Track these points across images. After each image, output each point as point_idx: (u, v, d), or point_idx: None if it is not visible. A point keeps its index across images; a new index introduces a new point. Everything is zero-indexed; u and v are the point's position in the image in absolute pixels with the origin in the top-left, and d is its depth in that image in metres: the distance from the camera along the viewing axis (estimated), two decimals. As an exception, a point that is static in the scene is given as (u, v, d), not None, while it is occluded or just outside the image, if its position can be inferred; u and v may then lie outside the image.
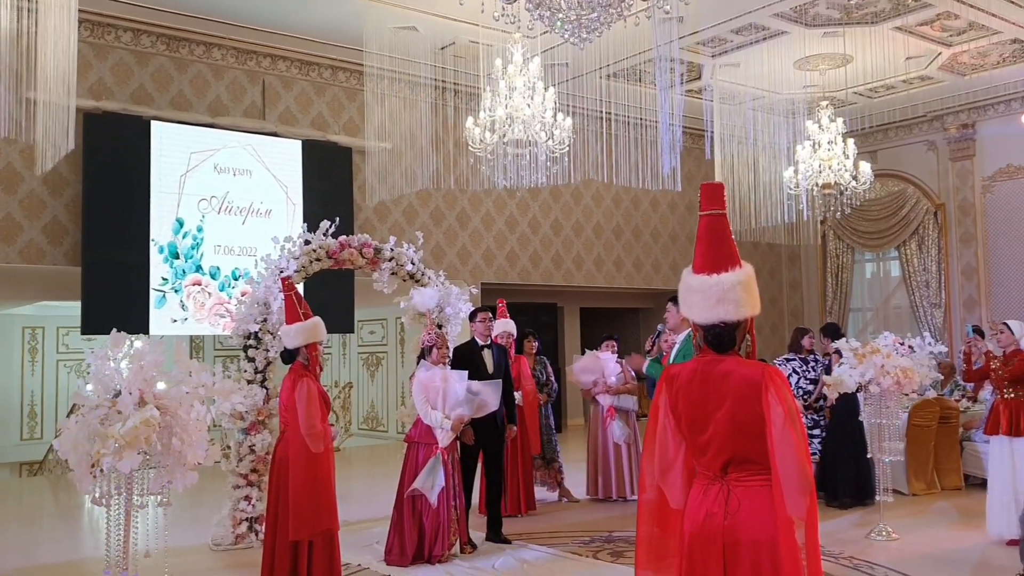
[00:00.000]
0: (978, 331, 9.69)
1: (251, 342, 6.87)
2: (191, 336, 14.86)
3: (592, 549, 6.54)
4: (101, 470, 3.11)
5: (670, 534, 2.90)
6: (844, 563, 6.04)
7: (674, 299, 6.30)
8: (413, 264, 7.58)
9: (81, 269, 10.30)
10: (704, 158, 12.65)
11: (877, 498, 6.96)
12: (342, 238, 7.19)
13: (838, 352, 7.15)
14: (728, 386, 2.74)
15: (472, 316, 7.14)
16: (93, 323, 10.17)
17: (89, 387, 3.23)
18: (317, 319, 4.86)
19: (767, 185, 12.67)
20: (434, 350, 6.32)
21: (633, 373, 8.90)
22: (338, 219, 7.31)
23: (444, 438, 6.09)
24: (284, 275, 5.78)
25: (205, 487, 5.50)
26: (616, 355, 8.80)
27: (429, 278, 7.63)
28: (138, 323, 10.40)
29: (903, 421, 8.26)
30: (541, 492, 8.57)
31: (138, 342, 3.52)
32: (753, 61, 12.27)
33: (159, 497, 3.35)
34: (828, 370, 7.70)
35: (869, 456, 6.93)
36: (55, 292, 10.93)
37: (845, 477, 7.96)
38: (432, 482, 5.97)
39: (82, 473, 3.14)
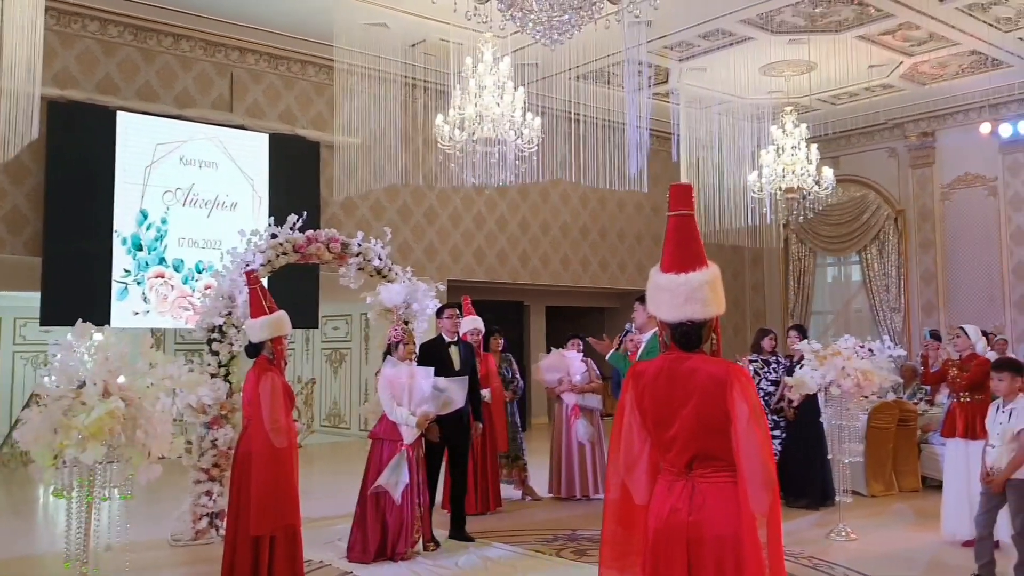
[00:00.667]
0: (935, 335, 9.88)
1: (215, 336, 6.81)
2: (152, 329, 14.67)
3: (555, 547, 6.58)
4: (64, 462, 3.08)
5: (634, 533, 2.94)
6: (804, 563, 6.14)
7: (641, 298, 6.28)
8: (380, 260, 7.56)
9: (42, 260, 10.14)
10: (670, 160, 12.76)
11: (837, 499, 7.06)
12: (309, 232, 7.16)
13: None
14: (694, 383, 2.79)
15: (439, 313, 7.14)
16: (52, 315, 10.01)
17: (47, 379, 3.18)
18: (282, 313, 4.83)
19: (731, 188, 12.81)
20: (400, 346, 6.30)
21: (598, 372, 8.96)
22: (305, 213, 7.28)
23: (409, 435, 6.08)
24: (248, 268, 5.73)
25: (165, 481, 5.45)
26: (582, 354, 8.84)
27: (397, 274, 7.62)
28: (99, 315, 10.21)
29: (863, 423, 8.39)
30: (507, 490, 8.59)
31: (98, 335, 3.49)
32: (719, 66, 12.43)
33: (121, 490, 3.32)
34: (790, 371, 7.80)
35: (829, 457, 7.03)
36: (14, 282, 10.72)
37: (807, 478, 8.05)
38: (396, 479, 5.96)
39: (43, 464, 3.10)
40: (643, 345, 6.17)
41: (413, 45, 11.25)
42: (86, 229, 10.39)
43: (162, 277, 11.19)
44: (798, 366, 7.35)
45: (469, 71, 8.80)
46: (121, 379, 3.36)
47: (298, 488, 4.76)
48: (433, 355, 6.71)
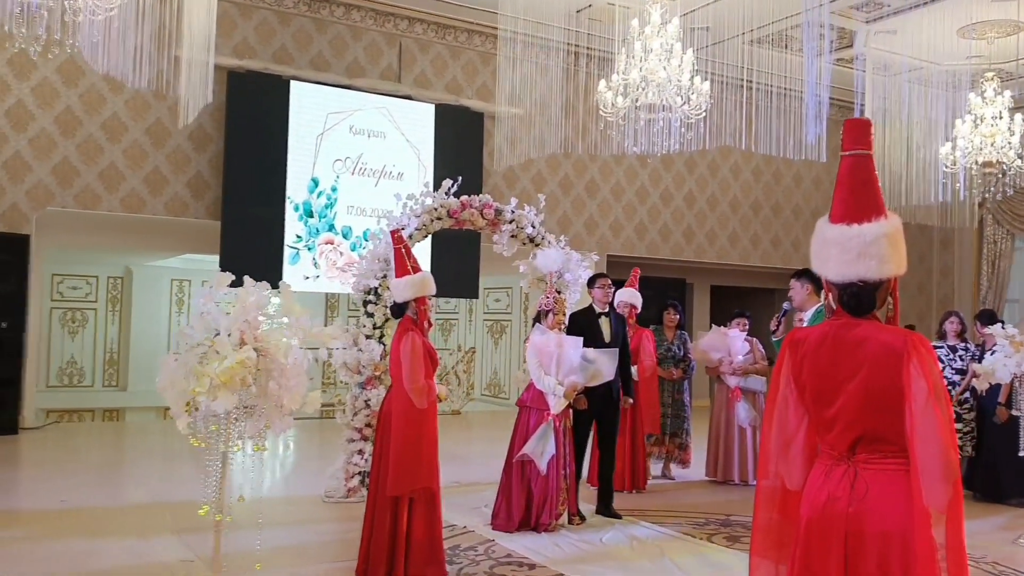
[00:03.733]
0: None
1: (370, 297, 6.89)
2: (327, 294, 15.28)
3: (707, 532, 6.23)
4: (197, 409, 3.10)
5: (790, 520, 2.60)
6: (986, 568, 5.51)
7: (798, 274, 5.90)
8: (533, 227, 7.40)
9: (221, 223, 10.66)
10: (853, 131, 11.87)
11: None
12: (464, 198, 7.09)
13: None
14: (864, 354, 2.39)
15: (591, 282, 6.87)
16: (246, 276, 10.50)
17: (188, 328, 3.22)
18: (426, 272, 4.74)
19: (921, 162, 11.81)
20: (550, 315, 6.13)
21: (763, 352, 8.46)
22: (460, 178, 7.22)
23: (556, 404, 5.91)
24: (393, 228, 5.70)
25: (326, 439, 5.54)
26: (746, 333, 8.36)
27: (549, 242, 7.44)
28: (272, 279, 10.61)
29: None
30: (674, 469, 8.42)
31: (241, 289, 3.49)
32: (912, 28, 11.41)
33: (256, 442, 3.31)
34: (982, 360, 7.03)
35: (1021, 454, 6.28)
36: (197, 245, 11.40)
37: (1007, 473, 7.28)
38: (542, 449, 5.81)
39: (178, 410, 3.13)
40: (805, 323, 5.71)
41: (579, 11, 10.99)
42: (261, 195, 10.85)
43: (331, 244, 11.54)
44: (989, 353, 6.60)
45: (635, 33, 8.44)
46: (263, 323, 3.33)
47: (437, 451, 4.67)
48: (582, 325, 6.47)
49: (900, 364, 2.32)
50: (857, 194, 2.47)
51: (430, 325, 4.77)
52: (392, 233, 4.97)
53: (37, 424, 10.73)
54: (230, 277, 3.47)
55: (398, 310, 4.78)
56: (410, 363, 4.45)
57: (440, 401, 4.78)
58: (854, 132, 2.51)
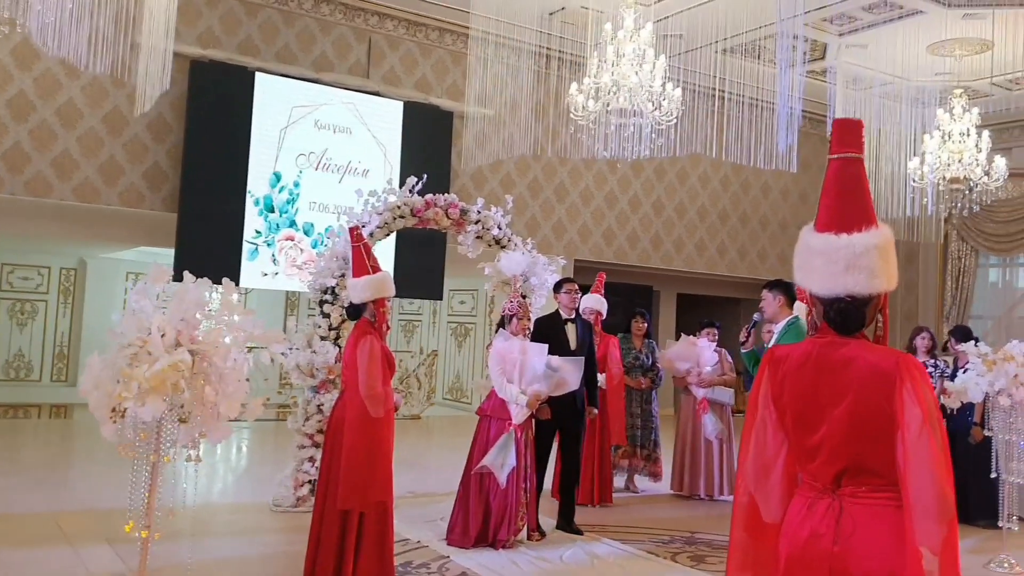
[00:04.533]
0: None
1: (327, 297, 6.64)
2: (287, 292, 14.95)
3: (671, 550, 6.05)
4: (122, 416, 2.84)
5: (767, 543, 2.39)
6: (953, 593, 5.38)
7: (770, 285, 5.76)
8: (500, 229, 7.19)
9: (177, 216, 10.32)
10: (823, 144, 11.85)
11: (1000, 524, 6.16)
12: (428, 196, 6.86)
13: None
14: (851, 376, 2.19)
15: (557, 287, 6.67)
16: (185, 271, 10.17)
17: (117, 324, 2.96)
18: (386, 273, 4.51)
19: (889, 176, 11.80)
20: (514, 320, 5.92)
21: (731, 364, 8.33)
22: (425, 176, 7.00)
23: (518, 414, 5.70)
24: (352, 225, 5.45)
25: (275, 444, 5.23)
26: (715, 343, 8.22)
27: (516, 245, 7.23)
28: (229, 274, 10.26)
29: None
30: (643, 483, 8.26)
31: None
32: (883, 42, 11.40)
33: (190, 451, 3.06)
34: (954, 377, 6.92)
35: (993, 476, 6.13)
36: (153, 238, 11.02)
37: (975, 494, 7.14)
38: (502, 460, 5.59)
39: (102, 416, 2.87)
40: (775, 337, 5.57)
41: (551, 13, 10.83)
42: (221, 188, 10.52)
43: (292, 240, 11.25)
44: (962, 370, 6.50)
45: (608, 37, 8.29)
46: (203, 323, 3.10)
47: (392, 462, 4.44)
48: (548, 331, 6.26)
49: (891, 389, 2.13)
50: (845, 201, 2.28)
51: (388, 328, 4.54)
52: (351, 230, 4.73)
53: (-22, 420, 10.31)
54: (168, 272, 3.22)
55: (355, 311, 4.54)
56: (367, 369, 4.21)
57: (395, 410, 4.54)
58: (843, 133, 2.32)
